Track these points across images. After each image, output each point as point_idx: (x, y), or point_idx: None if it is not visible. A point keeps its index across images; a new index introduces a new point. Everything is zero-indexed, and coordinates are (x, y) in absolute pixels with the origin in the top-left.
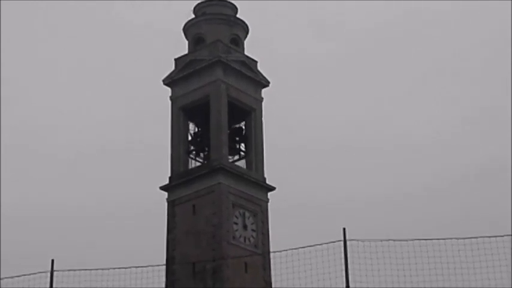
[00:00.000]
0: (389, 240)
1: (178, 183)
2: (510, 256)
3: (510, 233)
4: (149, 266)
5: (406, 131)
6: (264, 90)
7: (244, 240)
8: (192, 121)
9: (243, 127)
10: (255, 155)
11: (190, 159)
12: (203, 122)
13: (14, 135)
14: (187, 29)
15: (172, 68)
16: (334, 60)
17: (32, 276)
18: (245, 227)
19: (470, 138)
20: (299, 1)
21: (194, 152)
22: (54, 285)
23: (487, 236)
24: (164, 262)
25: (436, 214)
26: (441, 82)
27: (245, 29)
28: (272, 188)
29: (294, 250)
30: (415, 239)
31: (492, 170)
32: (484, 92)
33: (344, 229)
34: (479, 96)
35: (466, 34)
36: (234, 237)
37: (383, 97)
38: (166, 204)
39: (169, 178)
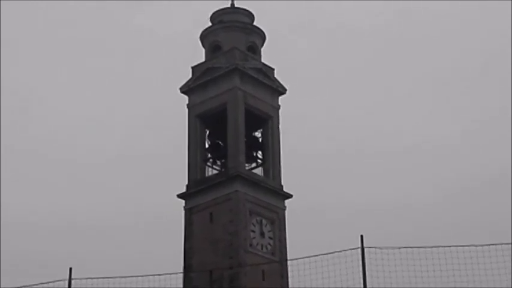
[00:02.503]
0: (407, 247)
1: (195, 191)
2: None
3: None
4: (166, 274)
5: (422, 137)
6: (280, 98)
7: (262, 248)
8: (209, 129)
9: (260, 135)
10: (272, 163)
11: (207, 167)
12: (220, 130)
13: (30, 141)
14: (204, 36)
15: (189, 76)
16: (349, 66)
17: (50, 284)
18: (262, 234)
19: (482, 143)
20: (313, 7)
21: (211, 160)
22: None
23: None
24: (181, 270)
25: (451, 221)
26: (450, 89)
27: (262, 37)
28: (289, 196)
29: (311, 258)
30: (433, 246)
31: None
32: (490, 98)
33: (362, 236)
34: (485, 103)
35: (468, 35)
36: (251, 245)
37: (400, 104)
38: (183, 212)
39: (187, 186)
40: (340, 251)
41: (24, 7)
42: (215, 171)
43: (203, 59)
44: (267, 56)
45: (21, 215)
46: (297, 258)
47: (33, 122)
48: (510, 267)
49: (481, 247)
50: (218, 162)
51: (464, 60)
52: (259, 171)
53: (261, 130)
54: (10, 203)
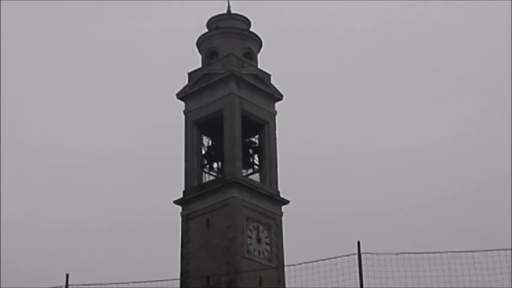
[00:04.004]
0: (404, 253)
1: (192, 197)
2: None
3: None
4: (164, 280)
5: (420, 141)
6: (277, 104)
7: (259, 254)
8: (205, 135)
9: (257, 141)
10: (269, 169)
11: (204, 173)
12: (217, 136)
13: (29, 142)
14: (200, 43)
15: (186, 82)
16: (346, 72)
17: None
18: (259, 240)
19: (480, 146)
20: (310, 14)
21: (208, 166)
22: None
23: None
24: (178, 276)
25: (449, 226)
26: (447, 93)
27: (258, 43)
28: (286, 202)
29: (308, 264)
30: (430, 252)
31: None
32: (487, 102)
33: (358, 242)
34: (481, 106)
35: (460, 38)
36: (248, 251)
37: (397, 107)
38: (180, 218)
39: (183, 192)
40: (337, 257)
41: (23, 8)
42: (212, 177)
43: (200, 65)
44: (263, 62)
45: (19, 218)
46: (294, 264)
47: (32, 123)
48: (509, 273)
49: (477, 253)
50: (215, 168)
51: (458, 62)
52: (256, 177)
53: (258, 136)
54: (7, 206)
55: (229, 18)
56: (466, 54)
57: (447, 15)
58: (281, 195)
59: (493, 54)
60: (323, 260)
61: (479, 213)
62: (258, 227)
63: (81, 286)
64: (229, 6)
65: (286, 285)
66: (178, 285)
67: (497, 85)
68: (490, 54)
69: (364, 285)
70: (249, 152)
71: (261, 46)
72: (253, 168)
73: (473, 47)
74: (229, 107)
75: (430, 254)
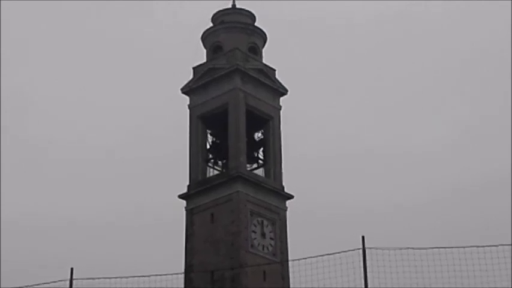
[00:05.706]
0: (408, 248)
1: (196, 192)
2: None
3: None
4: (168, 274)
5: (423, 139)
6: (282, 99)
7: (263, 249)
8: (210, 129)
9: (261, 135)
10: (273, 163)
11: (208, 168)
12: (221, 131)
13: (30, 141)
14: (205, 37)
15: (191, 76)
16: (351, 67)
17: (51, 284)
18: (263, 235)
19: (482, 144)
20: (315, 8)
21: (212, 161)
22: None
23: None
24: (183, 270)
25: (451, 222)
26: (447, 91)
27: (263, 37)
28: (290, 196)
29: (312, 258)
30: (434, 247)
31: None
32: (486, 100)
33: (363, 237)
34: (481, 105)
35: (460, 37)
36: (252, 246)
37: (403, 104)
38: (184, 212)
39: (188, 186)
40: (341, 252)
41: (25, 7)
42: (216, 172)
43: (204, 60)
44: (268, 56)
45: (21, 215)
46: (298, 259)
47: (33, 121)
48: (510, 268)
49: (482, 248)
50: (219, 163)
51: (458, 62)
52: (260, 171)
53: (262, 131)
54: (10, 203)
55: (234, 12)
56: (466, 53)
57: (447, 15)
58: (285, 190)
59: (492, 54)
60: (328, 254)
61: (479, 213)
62: (262, 222)
63: (86, 280)
64: (234, 1)
65: (291, 280)
66: (183, 280)
67: (497, 85)
68: (489, 54)
69: (368, 280)
70: (253, 146)
71: (265, 41)
72: (258, 163)
73: (473, 46)
74: (233, 102)
75: (434, 249)
